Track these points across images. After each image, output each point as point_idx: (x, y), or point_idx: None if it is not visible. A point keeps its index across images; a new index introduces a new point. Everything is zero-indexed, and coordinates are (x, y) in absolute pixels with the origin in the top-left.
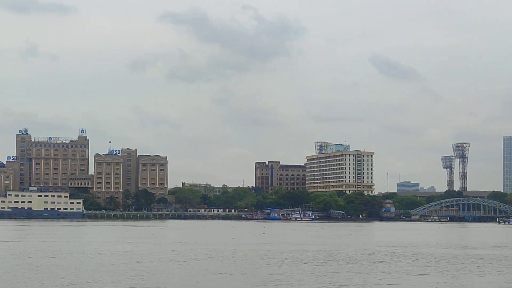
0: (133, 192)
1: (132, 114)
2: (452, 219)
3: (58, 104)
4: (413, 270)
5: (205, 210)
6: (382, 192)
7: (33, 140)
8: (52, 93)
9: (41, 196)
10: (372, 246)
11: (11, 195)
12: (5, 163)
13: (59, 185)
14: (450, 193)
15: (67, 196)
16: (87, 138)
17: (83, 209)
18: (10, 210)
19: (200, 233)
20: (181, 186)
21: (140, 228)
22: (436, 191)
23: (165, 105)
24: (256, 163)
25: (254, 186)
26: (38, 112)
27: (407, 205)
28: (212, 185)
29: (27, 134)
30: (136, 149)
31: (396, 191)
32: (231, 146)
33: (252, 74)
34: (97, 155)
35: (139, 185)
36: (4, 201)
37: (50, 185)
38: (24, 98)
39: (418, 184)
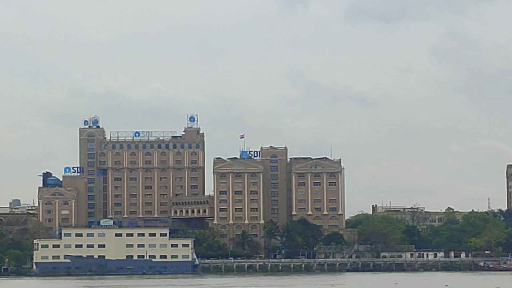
0: (282, 224)
1: (286, 87)
2: None
3: (144, 71)
4: None
5: (411, 255)
6: None
7: (108, 137)
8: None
9: (121, 235)
10: None
11: (69, 234)
12: (61, 178)
13: (154, 216)
14: None
15: (165, 235)
16: (201, 132)
17: (195, 256)
18: (69, 261)
19: None
20: (368, 213)
21: None
22: None
23: (350, 69)
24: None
25: (506, 208)
26: (118, 88)
27: None
28: (425, 209)
29: (98, 127)
30: (286, 148)
31: None
32: (473, 136)
33: None
34: (218, 160)
35: (294, 212)
36: (58, 246)
37: (139, 216)
38: (92, 66)
39: None
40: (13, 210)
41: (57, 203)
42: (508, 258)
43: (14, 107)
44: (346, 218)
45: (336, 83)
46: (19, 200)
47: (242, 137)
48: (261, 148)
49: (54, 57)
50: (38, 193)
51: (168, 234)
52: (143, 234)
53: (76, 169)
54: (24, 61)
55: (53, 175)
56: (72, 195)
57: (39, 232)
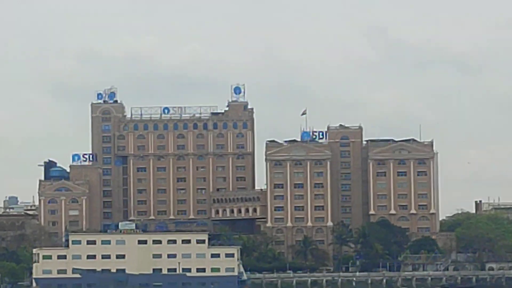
0: (356, 226)
1: (362, 47)
2: None
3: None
4: None
5: None
6: None
7: (129, 115)
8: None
9: (146, 242)
10: None
11: (79, 242)
12: (68, 169)
13: (190, 217)
14: None
15: (204, 241)
16: (250, 107)
17: (242, 269)
18: (78, 276)
19: None
20: (470, 212)
21: None
22: None
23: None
24: None
25: None
26: (142, 51)
27: None
28: None
29: (116, 102)
30: (360, 128)
31: None
32: None
33: None
34: (272, 144)
35: (371, 211)
36: (65, 256)
37: (169, 218)
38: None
39: None
40: (8, 210)
41: (63, 202)
42: None
43: (8, 77)
44: (440, 219)
45: (428, 43)
46: (16, 198)
47: (303, 113)
48: (328, 128)
49: (59, 12)
50: (39, 189)
51: (207, 241)
52: (174, 241)
53: (87, 156)
54: (20, 17)
55: (57, 164)
56: (82, 190)
57: (40, 239)
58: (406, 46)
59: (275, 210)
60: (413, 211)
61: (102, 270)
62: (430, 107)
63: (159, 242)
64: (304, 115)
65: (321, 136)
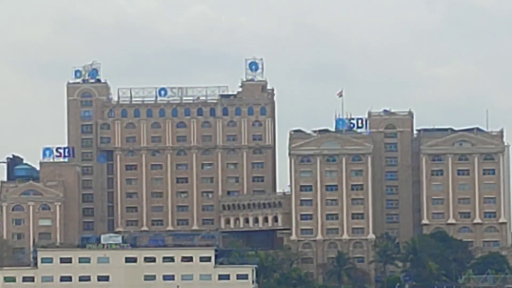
0: (405, 240)
1: (416, 10)
2: None
3: None
4: None
5: None
6: None
7: (116, 97)
8: None
9: (135, 260)
10: None
11: (50, 260)
12: (38, 166)
13: (192, 228)
14: None
15: (210, 259)
16: (269, 87)
17: None
18: None
19: None
20: None
21: None
22: None
23: None
24: None
25: None
26: (135, 16)
27: None
28: None
29: (99, 81)
30: (411, 113)
31: None
32: None
33: None
34: (298, 135)
35: (424, 220)
36: (32, 278)
37: (167, 229)
38: None
39: None
40: None
41: (31, 208)
42: None
43: None
44: None
45: (502, 2)
46: None
47: (340, 95)
48: (370, 114)
49: None
50: (0, 192)
51: (213, 259)
52: (172, 259)
53: (62, 151)
54: None
55: (24, 161)
56: (55, 194)
57: (2, 256)
58: (474, 8)
59: (301, 219)
60: (477, 220)
61: None
62: (502, 87)
63: (153, 260)
64: (340, 97)
65: (360, 125)
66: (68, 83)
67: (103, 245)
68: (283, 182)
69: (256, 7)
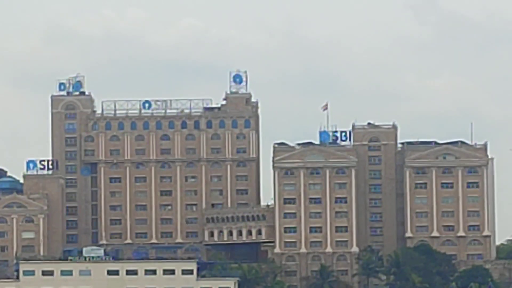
0: (389, 253)
1: (407, 21)
2: None
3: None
4: None
5: None
6: None
7: (100, 110)
8: None
9: (118, 273)
10: None
11: (31, 273)
12: (22, 179)
13: (176, 240)
14: None
15: (192, 272)
16: (253, 100)
17: None
18: None
19: None
20: None
21: None
22: None
23: None
24: None
25: None
26: (125, 28)
27: None
28: None
29: (83, 93)
30: (394, 127)
31: None
32: None
33: None
34: (282, 148)
35: (408, 233)
36: None
37: (150, 242)
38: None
39: None
40: None
41: (14, 221)
42: None
43: None
44: (496, 243)
45: (491, 17)
46: None
47: (324, 108)
48: (353, 127)
49: None
50: None
51: (195, 271)
52: (154, 272)
53: (45, 163)
54: None
55: (8, 173)
56: (39, 207)
57: None
58: (463, 21)
59: (285, 232)
60: (461, 233)
61: None
62: (492, 100)
63: (135, 272)
64: (325, 111)
65: (344, 138)
66: (53, 96)
67: (85, 257)
68: (267, 195)
69: (247, 20)
